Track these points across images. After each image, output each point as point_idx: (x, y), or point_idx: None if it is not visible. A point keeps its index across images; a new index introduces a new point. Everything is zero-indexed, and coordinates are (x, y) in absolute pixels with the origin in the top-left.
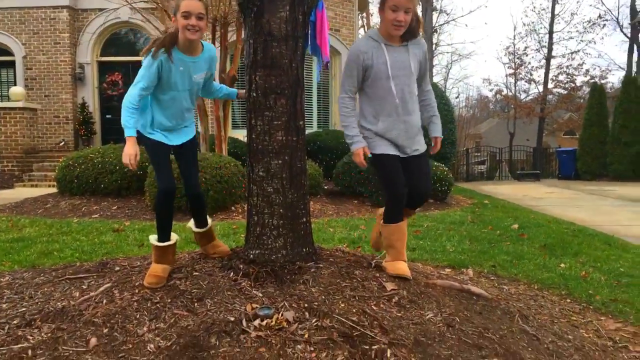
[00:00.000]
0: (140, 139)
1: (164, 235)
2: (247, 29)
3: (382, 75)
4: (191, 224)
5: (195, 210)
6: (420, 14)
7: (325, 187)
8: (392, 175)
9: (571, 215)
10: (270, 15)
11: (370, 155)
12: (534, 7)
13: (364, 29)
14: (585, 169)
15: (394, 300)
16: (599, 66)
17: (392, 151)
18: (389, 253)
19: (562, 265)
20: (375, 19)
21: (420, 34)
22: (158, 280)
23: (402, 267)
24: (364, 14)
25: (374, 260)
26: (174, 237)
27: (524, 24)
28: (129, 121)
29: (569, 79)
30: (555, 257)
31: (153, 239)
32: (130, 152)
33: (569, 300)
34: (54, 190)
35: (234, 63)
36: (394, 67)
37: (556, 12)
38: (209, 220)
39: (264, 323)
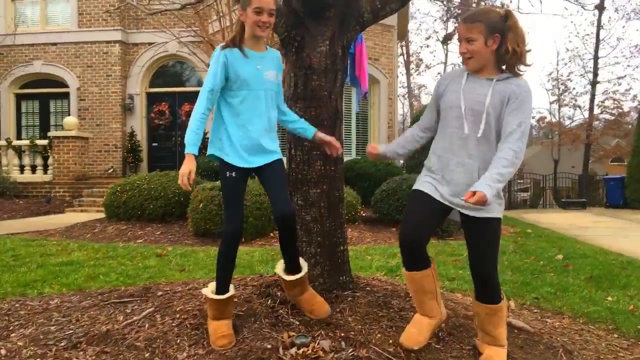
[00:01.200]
0: (220, 166)
1: (224, 286)
2: (288, 62)
3: (450, 104)
4: (280, 268)
5: (286, 238)
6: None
7: (363, 214)
8: (409, 211)
9: (619, 245)
10: (310, 49)
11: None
12: (578, 33)
13: (403, 58)
14: (635, 197)
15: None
16: None
17: (428, 189)
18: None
19: (609, 298)
20: (414, 47)
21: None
22: (229, 340)
23: (407, 334)
24: (404, 43)
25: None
26: (232, 287)
27: (568, 49)
28: (189, 137)
29: (615, 105)
30: (601, 289)
31: (209, 291)
32: (183, 171)
33: (616, 336)
34: (102, 215)
35: None
36: (463, 98)
37: (601, 37)
38: (303, 262)
39: (300, 352)
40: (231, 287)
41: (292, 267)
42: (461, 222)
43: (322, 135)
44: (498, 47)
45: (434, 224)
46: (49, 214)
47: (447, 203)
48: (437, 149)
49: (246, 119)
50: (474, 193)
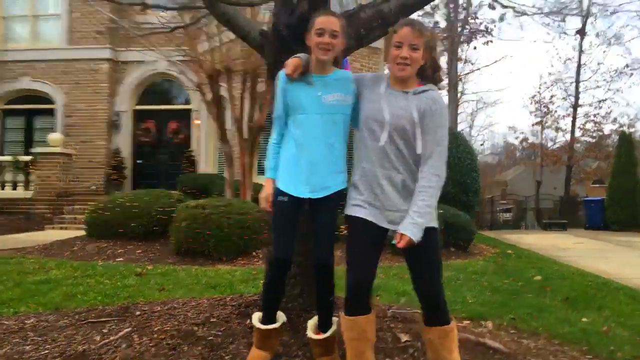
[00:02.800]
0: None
1: (269, 315)
2: (273, 86)
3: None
4: (311, 325)
5: (320, 290)
6: (445, 64)
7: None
8: (356, 250)
9: (597, 267)
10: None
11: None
12: (560, 57)
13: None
14: (614, 219)
15: (408, 352)
16: (627, 114)
17: (364, 214)
18: (347, 353)
19: (584, 319)
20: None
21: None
22: None
23: None
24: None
25: (390, 310)
26: (280, 317)
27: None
28: (267, 161)
29: (596, 127)
30: (577, 311)
31: (256, 318)
32: (262, 196)
33: (589, 356)
34: (83, 233)
35: (261, 113)
36: (385, 111)
37: (583, 61)
38: (334, 321)
39: None
40: (280, 315)
41: (322, 320)
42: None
43: None
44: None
45: (378, 255)
46: (27, 231)
47: (384, 225)
48: (361, 160)
49: (301, 145)
50: (401, 235)
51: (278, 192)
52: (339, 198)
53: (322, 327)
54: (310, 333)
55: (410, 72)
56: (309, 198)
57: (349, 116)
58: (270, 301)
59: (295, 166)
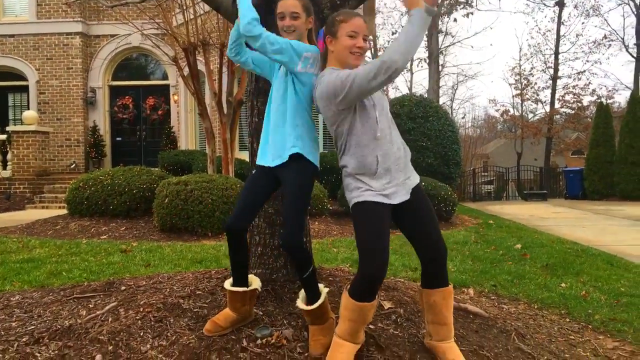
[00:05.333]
0: None
1: (237, 279)
2: None
3: (369, 106)
4: (301, 296)
5: (295, 267)
6: (425, 37)
7: (330, 208)
8: (374, 236)
9: (576, 235)
10: None
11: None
12: (539, 29)
13: (371, 52)
14: (593, 189)
15: (391, 318)
16: (605, 86)
17: (380, 199)
18: (339, 326)
19: (563, 285)
20: (381, 42)
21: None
22: (213, 328)
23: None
24: (371, 38)
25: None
26: (253, 283)
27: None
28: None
29: (575, 99)
30: (556, 276)
31: (228, 282)
32: None
33: (568, 320)
34: (65, 211)
35: (240, 87)
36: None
37: (562, 33)
38: (322, 289)
39: (263, 341)
40: (253, 284)
41: (306, 296)
42: (397, 215)
43: None
44: None
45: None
46: (8, 211)
47: (400, 199)
48: (375, 147)
49: (265, 114)
50: None
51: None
52: (304, 171)
53: (309, 300)
54: (300, 304)
55: (362, 61)
56: (273, 168)
57: (306, 88)
58: (234, 265)
59: (263, 136)
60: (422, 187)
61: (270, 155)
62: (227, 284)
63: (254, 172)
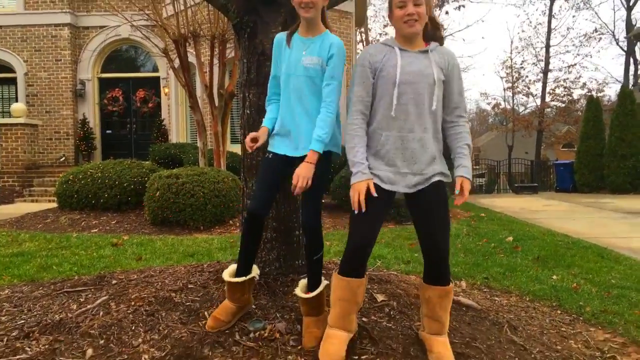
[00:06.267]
0: None
1: (242, 266)
2: (241, 48)
3: (389, 81)
4: (301, 285)
5: (306, 249)
6: None
7: (323, 201)
8: (363, 213)
9: (567, 227)
10: (263, 35)
11: (375, 195)
12: (530, 22)
13: (363, 45)
14: (583, 182)
15: (384, 311)
16: (595, 79)
17: (378, 182)
18: (331, 314)
19: (555, 277)
20: (373, 34)
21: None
22: (215, 324)
23: (326, 353)
24: (362, 29)
25: (367, 272)
26: (252, 272)
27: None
28: (266, 116)
29: (566, 92)
30: (547, 269)
31: (226, 273)
32: (250, 136)
33: (559, 312)
34: (54, 205)
35: (232, 79)
36: (405, 73)
37: (552, 26)
38: (322, 280)
39: (256, 334)
40: (252, 273)
41: (309, 281)
42: (408, 200)
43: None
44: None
45: (383, 220)
46: None
47: (407, 190)
48: (384, 127)
49: (284, 108)
50: (462, 180)
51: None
52: (325, 160)
53: (310, 286)
54: (299, 292)
55: (419, 27)
56: (294, 157)
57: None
58: (243, 252)
59: (280, 126)
60: (442, 187)
61: (292, 145)
62: (227, 275)
63: (269, 156)
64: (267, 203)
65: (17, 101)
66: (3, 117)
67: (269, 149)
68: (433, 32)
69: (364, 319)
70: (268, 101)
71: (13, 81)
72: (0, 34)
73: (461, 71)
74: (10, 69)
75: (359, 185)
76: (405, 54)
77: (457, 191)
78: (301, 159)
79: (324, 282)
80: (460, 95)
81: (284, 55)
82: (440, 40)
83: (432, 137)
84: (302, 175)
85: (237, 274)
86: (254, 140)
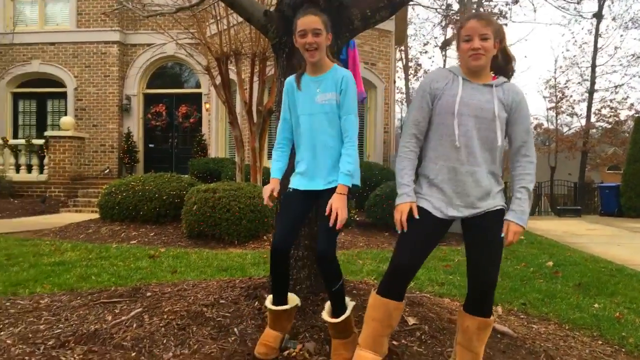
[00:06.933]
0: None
1: (277, 297)
2: (279, 67)
3: (447, 110)
4: (327, 308)
5: (324, 280)
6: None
7: (357, 219)
8: (411, 232)
9: (611, 253)
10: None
11: (417, 217)
12: (576, 41)
13: (402, 63)
14: (629, 206)
15: (415, 335)
16: None
17: (427, 205)
18: (362, 333)
19: (596, 305)
20: (413, 52)
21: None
22: (266, 351)
23: None
24: (402, 48)
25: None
26: (292, 300)
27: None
28: (272, 163)
29: (612, 113)
30: (589, 296)
31: (269, 300)
32: (265, 189)
33: (600, 342)
34: (97, 216)
35: (271, 96)
36: (463, 104)
37: (599, 45)
38: (348, 303)
39: (285, 354)
40: (291, 301)
41: (332, 308)
42: (464, 227)
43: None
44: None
45: (432, 247)
46: (43, 214)
47: (449, 217)
48: (439, 157)
49: (302, 147)
50: (514, 225)
51: (288, 189)
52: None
53: (334, 313)
54: (326, 316)
55: (484, 61)
56: (315, 191)
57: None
58: (275, 284)
59: (302, 168)
60: (498, 217)
61: (314, 181)
62: (268, 301)
63: (289, 191)
64: (289, 237)
65: (66, 115)
66: (53, 130)
67: (290, 185)
68: (504, 64)
69: (394, 342)
70: (278, 146)
71: (63, 95)
72: (53, 51)
73: (529, 110)
74: (61, 84)
75: (402, 207)
76: (467, 85)
77: (502, 234)
78: (325, 190)
79: (351, 305)
80: (527, 133)
81: (296, 98)
82: (510, 73)
83: (485, 172)
84: (340, 207)
85: (274, 303)
86: (271, 197)
